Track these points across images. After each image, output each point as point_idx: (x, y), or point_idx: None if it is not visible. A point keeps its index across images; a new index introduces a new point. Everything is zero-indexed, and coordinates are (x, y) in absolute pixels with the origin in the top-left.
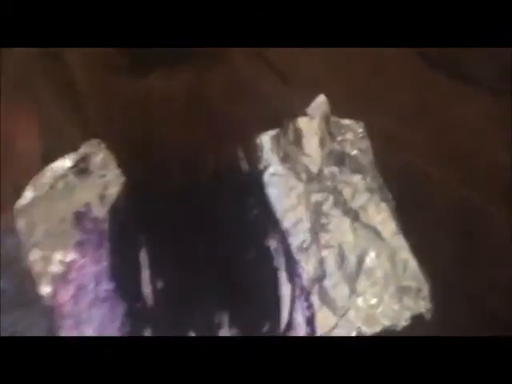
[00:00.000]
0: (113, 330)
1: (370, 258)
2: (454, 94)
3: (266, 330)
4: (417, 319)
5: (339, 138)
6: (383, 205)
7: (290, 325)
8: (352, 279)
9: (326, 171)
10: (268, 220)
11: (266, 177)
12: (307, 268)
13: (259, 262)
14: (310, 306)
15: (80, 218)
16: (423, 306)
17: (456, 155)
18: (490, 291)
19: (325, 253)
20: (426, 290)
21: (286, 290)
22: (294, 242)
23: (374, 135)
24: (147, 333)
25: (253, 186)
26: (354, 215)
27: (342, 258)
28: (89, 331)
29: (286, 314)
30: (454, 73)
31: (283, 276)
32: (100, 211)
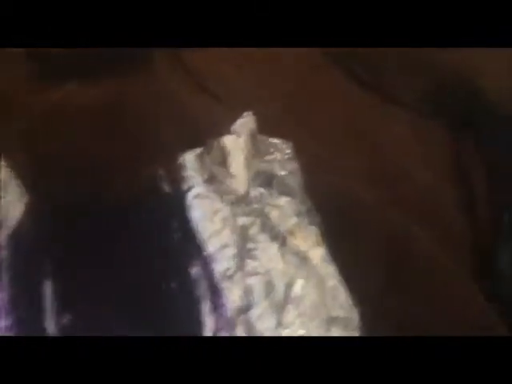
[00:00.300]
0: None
1: (298, 285)
2: (382, 115)
3: None
4: None
5: (267, 158)
6: (312, 229)
7: None
8: (279, 309)
9: (253, 193)
10: (191, 245)
11: (189, 199)
12: (232, 297)
13: (180, 292)
14: None
15: None
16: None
17: (383, 177)
18: (421, 317)
19: (251, 280)
20: (355, 319)
21: (209, 322)
22: (218, 268)
23: (302, 156)
24: None
25: (175, 208)
26: (281, 240)
27: (269, 286)
28: None
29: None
30: (383, 94)
31: (206, 307)
32: None
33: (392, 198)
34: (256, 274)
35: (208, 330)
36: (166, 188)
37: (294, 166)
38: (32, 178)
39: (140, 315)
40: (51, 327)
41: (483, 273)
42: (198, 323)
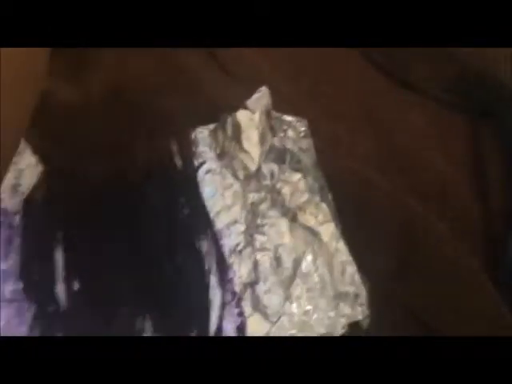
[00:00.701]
0: (19, 333)
1: (307, 261)
2: (400, 101)
3: (192, 335)
4: (353, 327)
5: (280, 135)
6: (323, 206)
7: (219, 331)
8: (287, 284)
9: (265, 169)
10: (200, 221)
11: (201, 174)
12: (240, 272)
13: (188, 265)
14: (240, 314)
15: None
16: (360, 312)
17: (399, 163)
18: (426, 302)
19: (259, 256)
20: (363, 295)
21: (215, 295)
22: (227, 244)
23: (316, 135)
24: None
25: (185, 183)
26: (292, 216)
27: (277, 261)
28: None
29: (214, 321)
30: (401, 79)
31: (213, 280)
32: (11, 203)
33: (406, 184)
34: (265, 249)
35: (215, 304)
36: (178, 163)
37: (308, 143)
38: (46, 148)
39: (148, 287)
40: (61, 293)
41: (495, 261)
42: (206, 296)
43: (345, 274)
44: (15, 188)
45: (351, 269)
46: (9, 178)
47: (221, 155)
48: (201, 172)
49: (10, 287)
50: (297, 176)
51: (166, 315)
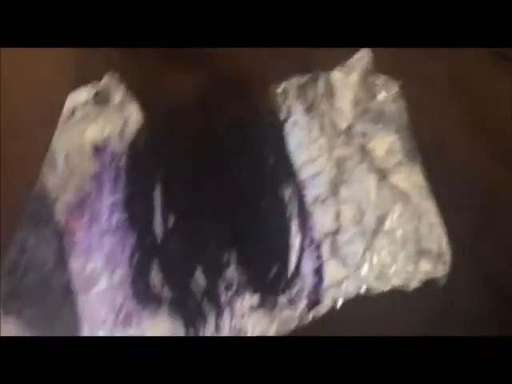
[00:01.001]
0: (121, 260)
1: (392, 218)
2: (489, 68)
3: (272, 273)
4: (429, 283)
5: (375, 96)
6: (415, 168)
7: (297, 271)
8: (368, 236)
9: (358, 127)
10: (285, 170)
11: (287, 126)
12: (321, 221)
13: (271, 210)
14: (319, 257)
15: (98, 151)
16: (441, 270)
17: (485, 129)
18: (504, 265)
19: (342, 208)
20: (447, 255)
21: (295, 239)
22: (310, 194)
23: (409, 98)
24: (154, 267)
25: (272, 135)
26: (381, 175)
27: (360, 214)
28: (99, 259)
29: (293, 261)
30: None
31: (294, 225)
32: (118, 146)
33: (491, 151)
34: (349, 202)
35: (295, 247)
36: (266, 114)
37: (401, 105)
38: (149, 97)
39: (235, 228)
40: (158, 227)
41: None
42: (286, 240)
43: (431, 233)
44: (121, 133)
45: (439, 230)
46: (116, 125)
47: (309, 109)
48: (288, 124)
49: (116, 218)
50: (391, 137)
51: (250, 253)
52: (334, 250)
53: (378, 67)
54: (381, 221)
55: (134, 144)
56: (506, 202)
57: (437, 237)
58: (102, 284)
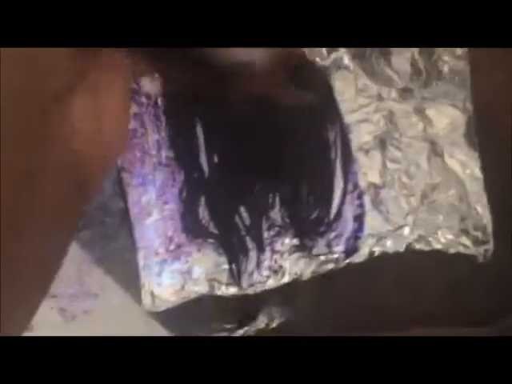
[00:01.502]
0: (172, 194)
1: (439, 190)
2: None
3: (314, 216)
4: (468, 257)
5: (436, 59)
6: (468, 144)
7: (338, 216)
8: (414, 202)
9: (415, 90)
10: (329, 112)
11: (334, 68)
12: (365, 169)
13: (315, 152)
14: (360, 205)
15: (133, 93)
16: (481, 250)
17: None
18: None
19: (390, 165)
20: (490, 245)
21: (338, 182)
22: (355, 140)
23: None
24: (202, 202)
25: (317, 75)
26: (436, 147)
27: (409, 178)
28: (152, 192)
29: (335, 206)
30: None
31: (338, 169)
32: (151, 87)
33: None
34: (396, 161)
35: (337, 191)
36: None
37: (463, 68)
38: None
39: (279, 168)
40: (204, 163)
41: None
42: (329, 183)
43: (477, 219)
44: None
45: (486, 218)
46: None
47: (360, 57)
48: (334, 68)
49: (165, 154)
50: (450, 110)
51: (293, 195)
52: (377, 203)
53: None
54: (428, 190)
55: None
56: None
57: (482, 225)
58: (156, 215)
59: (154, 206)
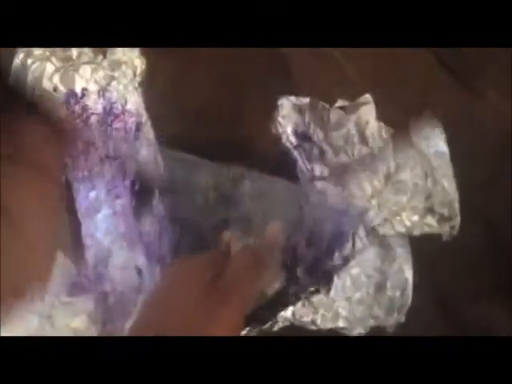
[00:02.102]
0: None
1: (404, 170)
2: None
3: None
4: (432, 237)
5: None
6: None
7: None
8: (377, 183)
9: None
10: None
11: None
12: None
13: None
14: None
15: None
16: (447, 228)
17: None
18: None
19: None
20: (457, 220)
21: None
22: None
23: None
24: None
25: None
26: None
27: (372, 159)
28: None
29: None
30: None
31: None
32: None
33: None
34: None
35: None
36: None
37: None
38: None
39: None
40: None
41: None
42: None
43: (443, 196)
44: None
45: (452, 195)
46: None
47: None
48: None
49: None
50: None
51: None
52: (342, 183)
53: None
54: (392, 171)
55: None
56: None
57: (448, 201)
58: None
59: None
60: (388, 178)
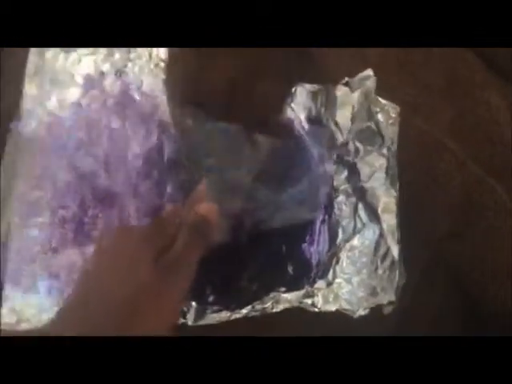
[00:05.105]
0: None
1: (358, 239)
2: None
3: None
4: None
5: (373, 117)
6: (391, 193)
7: None
8: (336, 247)
9: (351, 145)
10: None
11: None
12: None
13: None
14: None
15: None
16: (388, 307)
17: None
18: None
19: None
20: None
21: None
22: None
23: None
24: None
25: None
26: (360, 195)
27: (335, 225)
28: None
29: None
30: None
31: None
32: None
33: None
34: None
35: None
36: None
37: (394, 131)
38: None
39: None
40: None
41: None
42: None
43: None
44: None
45: (396, 275)
46: None
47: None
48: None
49: None
50: (380, 161)
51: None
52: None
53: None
54: (348, 240)
55: None
56: (483, 203)
57: (392, 285)
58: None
59: None
60: (344, 244)
